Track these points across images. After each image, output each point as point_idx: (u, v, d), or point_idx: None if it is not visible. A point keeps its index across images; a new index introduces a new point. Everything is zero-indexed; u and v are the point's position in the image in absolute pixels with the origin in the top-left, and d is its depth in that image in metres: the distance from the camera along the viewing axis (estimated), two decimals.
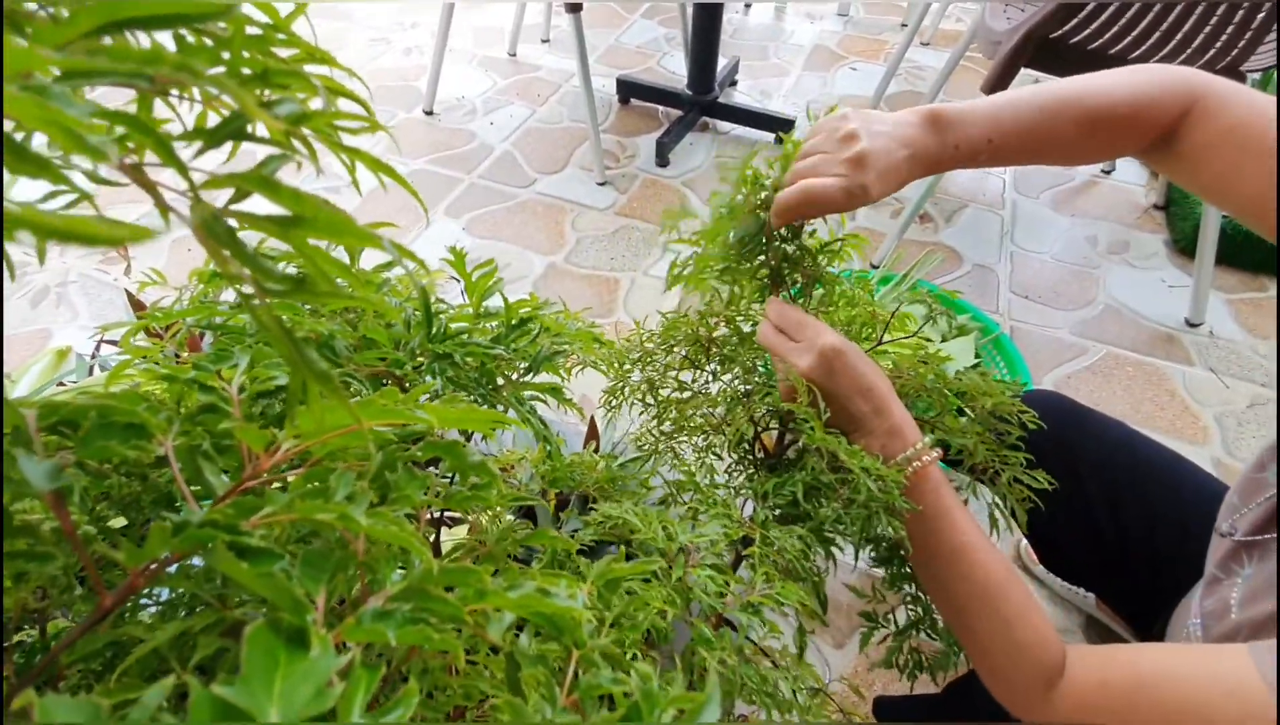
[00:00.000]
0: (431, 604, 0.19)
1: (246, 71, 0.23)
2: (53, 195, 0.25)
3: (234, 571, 0.17)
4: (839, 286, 0.63)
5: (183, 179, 0.16)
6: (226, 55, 0.19)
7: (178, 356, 0.51)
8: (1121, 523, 0.74)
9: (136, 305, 1.09)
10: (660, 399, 0.64)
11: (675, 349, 0.63)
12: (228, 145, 0.23)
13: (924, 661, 0.59)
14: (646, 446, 0.63)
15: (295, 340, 0.15)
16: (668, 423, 0.64)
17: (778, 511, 0.54)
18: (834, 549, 0.52)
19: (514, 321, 0.43)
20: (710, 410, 0.61)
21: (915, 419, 0.56)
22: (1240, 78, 1.29)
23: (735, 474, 0.60)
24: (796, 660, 0.45)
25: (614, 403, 0.63)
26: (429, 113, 2.16)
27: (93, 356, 1.00)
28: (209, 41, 0.23)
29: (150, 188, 0.21)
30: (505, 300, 0.44)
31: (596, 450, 0.92)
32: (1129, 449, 0.78)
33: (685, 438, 0.65)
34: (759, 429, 0.59)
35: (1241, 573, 0.54)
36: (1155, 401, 1.43)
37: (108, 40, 0.17)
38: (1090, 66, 0.56)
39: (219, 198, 0.21)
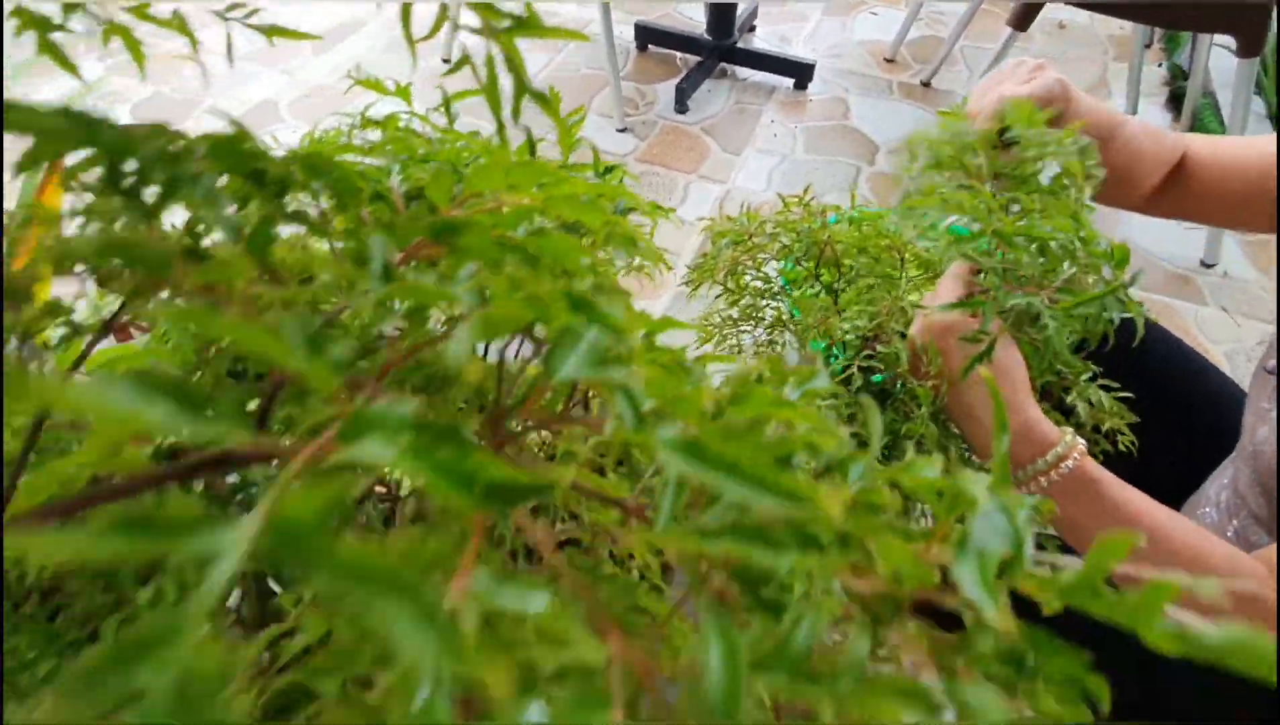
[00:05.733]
0: None
1: None
2: None
3: None
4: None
5: None
6: None
7: None
8: (1191, 445, 0.71)
9: None
10: (740, 284, 0.62)
11: (778, 237, 0.61)
12: None
13: None
14: (711, 327, 0.63)
15: None
16: (735, 310, 0.63)
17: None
18: None
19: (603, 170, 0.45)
20: (784, 307, 0.59)
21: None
22: None
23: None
24: None
25: (694, 281, 0.62)
26: (446, 61, 2.15)
27: None
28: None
29: None
30: (595, 153, 0.47)
31: None
32: (1202, 372, 0.75)
33: (749, 327, 0.65)
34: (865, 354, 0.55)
35: None
36: None
37: None
38: None
39: None
